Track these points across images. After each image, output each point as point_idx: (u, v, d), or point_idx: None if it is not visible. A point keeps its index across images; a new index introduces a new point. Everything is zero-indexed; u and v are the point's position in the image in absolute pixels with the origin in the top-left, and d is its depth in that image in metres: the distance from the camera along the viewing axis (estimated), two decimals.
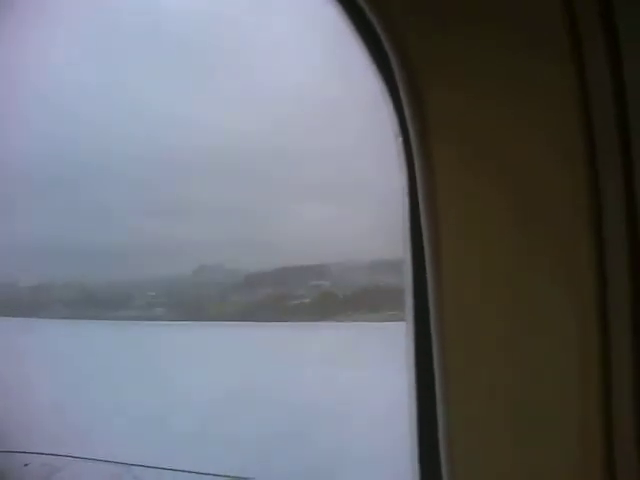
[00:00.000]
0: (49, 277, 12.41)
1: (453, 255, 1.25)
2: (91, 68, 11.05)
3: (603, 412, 1.17)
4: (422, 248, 1.29)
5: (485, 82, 1.21)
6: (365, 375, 8.26)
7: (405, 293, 1.41)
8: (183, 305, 12.47)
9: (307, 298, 12.11)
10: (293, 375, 8.88)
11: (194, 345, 10.51)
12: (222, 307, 12.30)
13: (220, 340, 10.73)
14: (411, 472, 1.42)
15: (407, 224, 1.37)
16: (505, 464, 1.27)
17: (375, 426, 6.86)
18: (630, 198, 1.13)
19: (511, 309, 1.23)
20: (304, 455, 6.86)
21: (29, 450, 6.91)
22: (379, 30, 1.24)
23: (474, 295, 1.25)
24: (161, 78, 11.35)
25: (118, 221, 12.00)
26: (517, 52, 1.18)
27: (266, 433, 7.41)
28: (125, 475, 6.76)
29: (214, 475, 6.73)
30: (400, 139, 1.33)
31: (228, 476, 6.68)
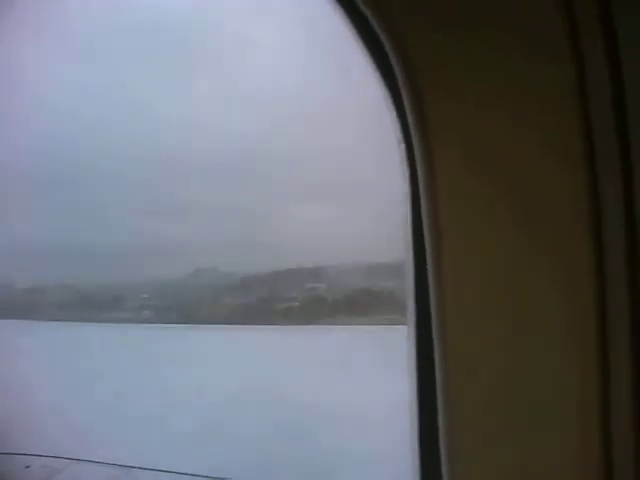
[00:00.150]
0: (46, 278, 12.39)
1: (454, 257, 1.26)
2: (91, 68, 11.05)
3: (602, 412, 1.17)
4: (424, 251, 1.29)
5: (485, 84, 1.22)
6: (359, 378, 8.27)
7: (406, 296, 1.42)
8: (173, 308, 12.39)
9: (297, 302, 12.04)
10: (279, 379, 8.88)
11: (187, 348, 10.49)
12: (213, 310, 12.23)
13: (211, 343, 10.72)
14: (412, 472, 1.43)
15: (409, 228, 1.38)
16: (505, 464, 1.27)
17: (373, 428, 6.87)
18: (629, 201, 1.13)
19: (511, 310, 1.24)
20: (304, 455, 6.88)
21: (29, 452, 6.92)
22: (380, 32, 1.24)
23: (474, 296, 1.25)
24: (161, 78, 11.36)
25: (117, 221, 12.01)
26: (517, 55, 1.19)
27: (266, 433, 7.42)
28: (124, 477, 6.77)
29: (212, 478, 6.74)
30: (403, 144, 1.34)
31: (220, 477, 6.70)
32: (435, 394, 1.29)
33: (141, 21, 10.75)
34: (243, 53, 11.35)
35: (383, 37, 1.24)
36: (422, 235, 1.30)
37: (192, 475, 6.75)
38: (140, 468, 6.88)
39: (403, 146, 1.34)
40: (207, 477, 6.70)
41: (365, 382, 8.06)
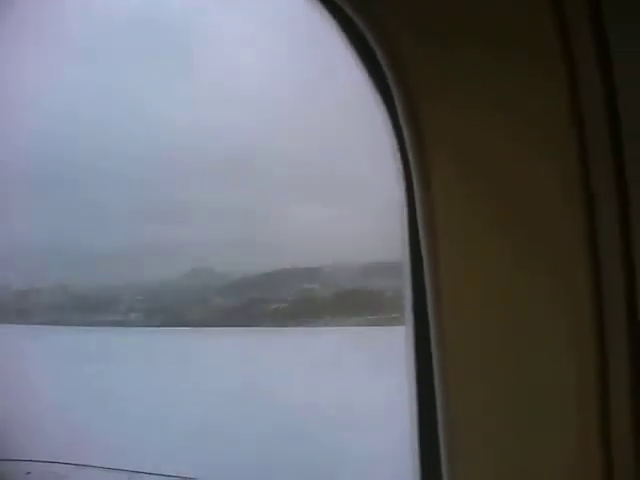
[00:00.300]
0: (42, 279, 12.32)
1: (451, 270, 1.27)
2: (90, 68, 11.04)
3: (602, 414, 1.17)
4: (421, 259, 1.30)
5: (479, 97, 1.22)
6: (355, 379, 8.25)
7: (405, 299, 1.43)
8: (163, 310, 12.29)
9: (297, 301, 11.96)
10: (275, 380, 8.85)
11: (180, 351, 10.47)
12: (208, 311, 12.15)
13: (205, 345, 10.69)
14: (410, 472, 1.43)
15: (406, 238, 1.38)
16: (505, 464, 1.28)
17: (370, 428, 6.87)
18: (624, 217, 1.14)
19: (510, 323, 1.25)
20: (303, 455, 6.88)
21: (33, 458, 6.90)
22: (377, 50, 1.25)
23: (474, 310, 1.27)
24: (161, 78, 11.35)
25: (116, 221, 11.98)
26: (509, 57, 1.19)
27: (265, 434, 7.41)
28: None
29: None
30: (399, 156, 1.35)
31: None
32: (434, 394, 1.30)
33: (141, 21, 10.75)
34: (243, 53, 11.35)
35: (380, 56, 1.25)
36: (419, 243, 1.30)
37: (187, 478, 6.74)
38: (144, 473, 6.87)
39: (399, 157, 1.35)
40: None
41: (361, 382, 8.05)
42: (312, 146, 11.28)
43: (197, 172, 11.78)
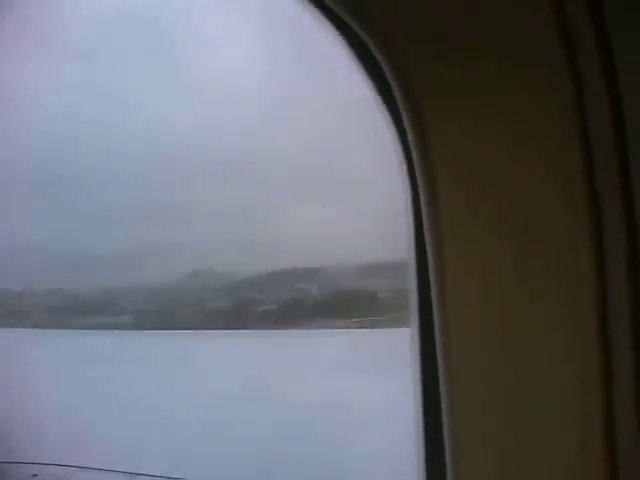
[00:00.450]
0: (41, 280, 12.29)
1: (456, 272, 1.27)
2: (90, 68, 11.05)
3: (604, 416, 1.17)
4: (426, 261, 1.31)
5: (484, 103, 1.22)
6: (356, 381, 8.25)
7: (410, 303, 1.43)
8: (162, 313, 12.23)
9: (297, 302, 11.93)
10: (274, 382, 8.86)
11: (180, 353, 10.45)
12: (198, 314, 12.11)
13: (204, 348, 10.68)
14: (412, 472, 1.43)
15: (411, 240, 1.39)
16: (505, 464, 1.28)
17: (372, 428, 6.88)
18: (629, 218, 1.14)
19: (513, 324, 1.25)
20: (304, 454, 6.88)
21: (37, 461, 6.91)
22: (381, 59, 1.25)
23: (477, 311, 1.28)
24: (161, 78, 11.35)
25: (116, 222, 11.97)
26: (516, 74, 1.19)
27: (266, 434, 7.42)
28: None
29: None
30: (404, 163, 1.35)
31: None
32: (438, 394, 1.30)
33: (141, 21, 10.75)
34: (244, 53, 11.35)
35: (385, 66, 1.25)
36: (424, 248, 1.31)
37: None
38: (146, 475, 6.88)
39: (405, 164, 1.36)
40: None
41: (361, 383, 8.06)
42: (312, 146, 11.28)
43: (197, 172, 11.78)
